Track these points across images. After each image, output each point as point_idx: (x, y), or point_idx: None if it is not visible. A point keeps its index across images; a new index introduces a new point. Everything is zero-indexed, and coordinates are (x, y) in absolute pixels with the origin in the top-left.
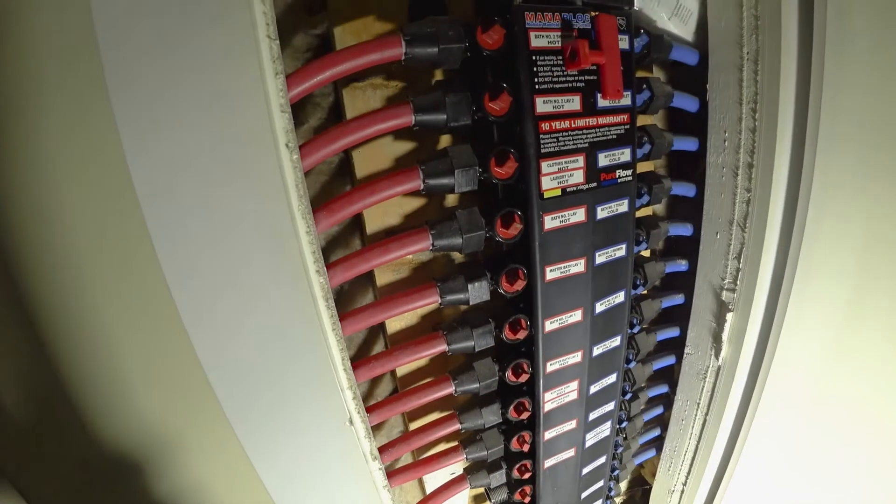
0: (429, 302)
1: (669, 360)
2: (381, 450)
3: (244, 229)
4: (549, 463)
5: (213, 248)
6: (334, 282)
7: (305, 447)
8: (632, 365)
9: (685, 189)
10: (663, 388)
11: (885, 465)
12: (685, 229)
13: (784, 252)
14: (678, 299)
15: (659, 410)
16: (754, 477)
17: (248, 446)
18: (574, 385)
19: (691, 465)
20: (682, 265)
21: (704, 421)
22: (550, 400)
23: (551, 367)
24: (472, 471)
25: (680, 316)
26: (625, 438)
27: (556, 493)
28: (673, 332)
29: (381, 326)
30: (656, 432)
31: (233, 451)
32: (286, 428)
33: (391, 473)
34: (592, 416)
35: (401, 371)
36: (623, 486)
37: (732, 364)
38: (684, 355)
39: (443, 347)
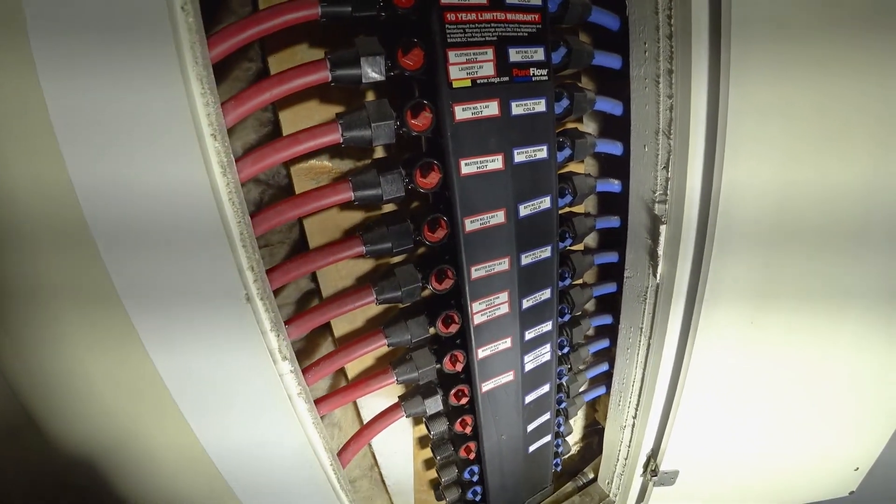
0: (343, 198)
1: (610, 287)
2: (306, 371)
3: None
4: (486, 386)
5: None
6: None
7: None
8: (566, 282)
9: (611, 105)
10: (607, 319)
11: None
12: (614, 147)
13: (710, 156)
14: (613, 221)
15: (605, 343)
16: (700, 402)
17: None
18: (504, 296)
19: (640, 396)
20: (614, 185)
21: (648, 346)
22: (480, 312)
23: (476, 272)
24: (406, 398)
25: (619, 242)
26: (570, 369)
27: (498, 424)
28: (611, 257)
29: (301, 229)
30: (604, 367)
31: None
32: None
33: (319, 400)
34: (528, 334)
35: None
36: (576, 426)
37: (670, 280)
38: (624, 280)
39: (360, 249)
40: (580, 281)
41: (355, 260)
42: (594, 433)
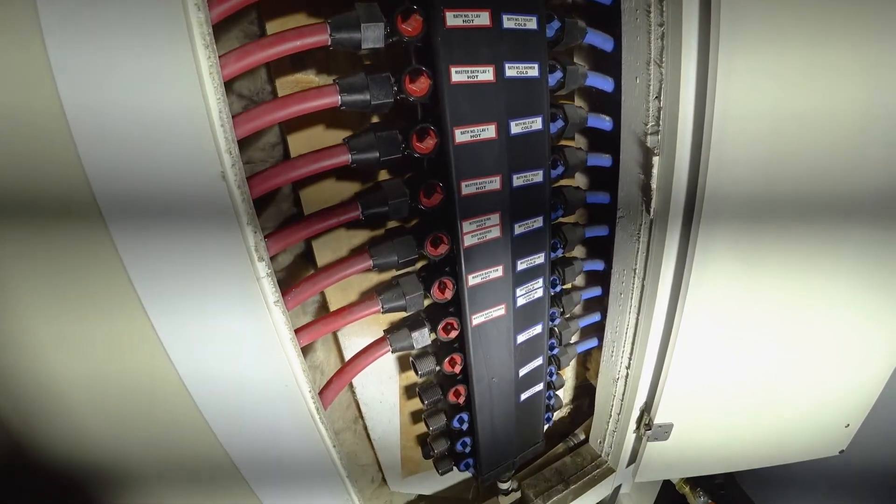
0: (330, 102)
1: (602, 230)
2: (286, 293)
3: None
4: (477, 319)
5: None
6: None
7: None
8: (559, 213)
9: (602, 39)
10: (599, 265)
11: (813, 326)
12: (605, 82)
13: (702, 84)
14: (605, 160)
15: (597, 291)
16: (695, 350)
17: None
18: (495, 218)
19: (633, 345)
20: (605, 121)
21: (642, 289)
22: (471, 233)
23: (467, 189)
24: (392, 331)
25: (610, 184)
26: (562, 313)
27: (489, 364)
28: (603, 197)
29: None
30: (596, 317)
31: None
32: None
33: (300, 329)
34: (521, 264)
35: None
36: (566, 386)
37: (664, 214)
38: (617, 220)
39: (346, 157)
40: (573, 219)
41: (342, 182)
42: (585, 394)
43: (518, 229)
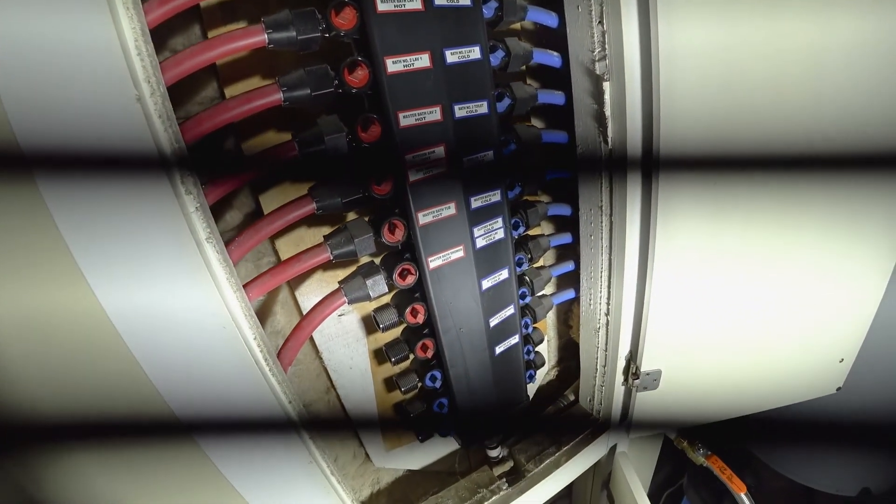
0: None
1: (565, 174)
2: (228, 245)
3: None
4: (434, 262)
5: None
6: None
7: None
8: (511, 148)
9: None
10: (566, 209)
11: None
12: (549, 17)
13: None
14: (557, 97)
15: (567, 238)
16: (673, 288)
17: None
18: (440, 151)
19: (609, 289)
20: (553, 56)
21: (611, 225)
22: (415, 167)
23: (405, 120)
24: (346, 281)
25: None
26: (530, 259)
27: (454, 313)
28: (560, 136)
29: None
30: (570, 266)
31: None
32: None
33: (248, 284)
34: (475, 202)
35: None
36: (551, 347)
37: (622, 142)
38: (577, 154)
39: (278, 97)
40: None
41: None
42: (571, 355)
43: (467, 164)
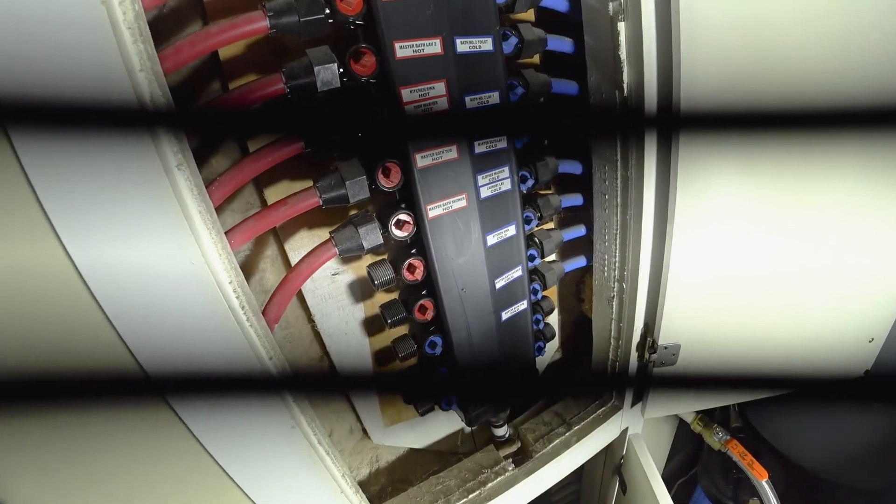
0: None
1: (569, 86)
2: (210, 185)
3: None
4: (433, 210)
5: None
6: None
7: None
8: (519, 92)
9: None
10: (576, 167)
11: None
12: None
13: None
14: (566, 44)
15: (578, 199)
16: (694, 253)
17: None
18: (440, 87)
19: (624, 250)
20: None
21: (626, 180)
22: (413, 102)
23: (402, 51)
24: (338, 230)
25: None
26: (540, 217)
27: (456, 270)
28: (570, 86)
29: None
30: (581, 230)
31: None
32: None
33: (230, 231)
34: (479, 147)
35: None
36: (563, 320)
37: (639, 90)
38: (589, 105)
39: (264, 24)
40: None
41: None
42: (583, 331)
43: (470, 103)
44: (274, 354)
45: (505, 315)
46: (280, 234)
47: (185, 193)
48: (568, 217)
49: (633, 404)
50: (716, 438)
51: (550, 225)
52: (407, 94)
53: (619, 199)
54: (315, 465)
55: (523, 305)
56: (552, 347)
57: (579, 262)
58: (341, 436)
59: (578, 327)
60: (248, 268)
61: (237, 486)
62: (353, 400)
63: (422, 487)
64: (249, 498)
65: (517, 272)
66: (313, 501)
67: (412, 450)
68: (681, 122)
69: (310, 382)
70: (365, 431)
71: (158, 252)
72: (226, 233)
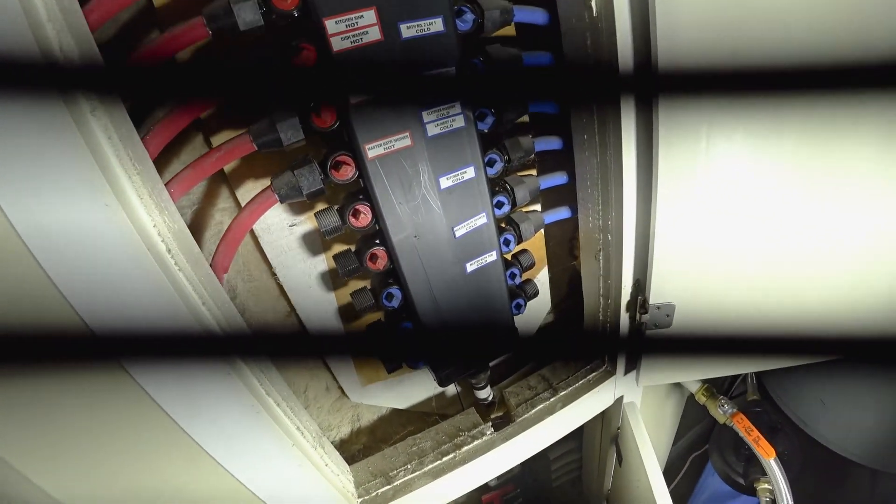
0: None
1: (542, 57)
2: (146, 137)
3: None
4: (372, 150)
5: None
6: None
7: None
8: (470, 21)
9: None
10: (548, 107)
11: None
12: None
13: None
14: (540, 15)
15: (556, 143)
16: (686, 198)
17: None
18: (369, 15)
19: (607, 199)
20: None
21: (604, 121)
22: (339, 34)
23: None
24: (277, 174)
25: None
26: (507, 160)
27: (408, 218)
28: (539, 15)
29: None
30: (562, 178)
31: None
32: None
33: (170, 181)
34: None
35: None
36: (550, 277)
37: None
38: (562, 35)
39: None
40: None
41: None
42: (579, 292)
43: (407, 31)
44: (209, 300)
45: (470, 266)
46: (235, 189)
47: (100, 139)
48: (549, 163)
49: (626, 371)
50: (721, 411)
51: (532, 172)
52: (332, 25)
53: (597, 139)
54: (258, 415)
55: (492, 257)
56: (541, 309)
57: (562, 213)
58: (317, 392)
59: (574, 288)
60: (203, 222)
61: (188, 435)
62: (324, 357)
63: (398, 448)
64: (199, 444)
65: (480, 218)
66: (261, 452)
67: (395, 410)
68: (658, 45)
69: (270, 337)
70: (342, 390)
71: (78, 200)
72: (166, 184)
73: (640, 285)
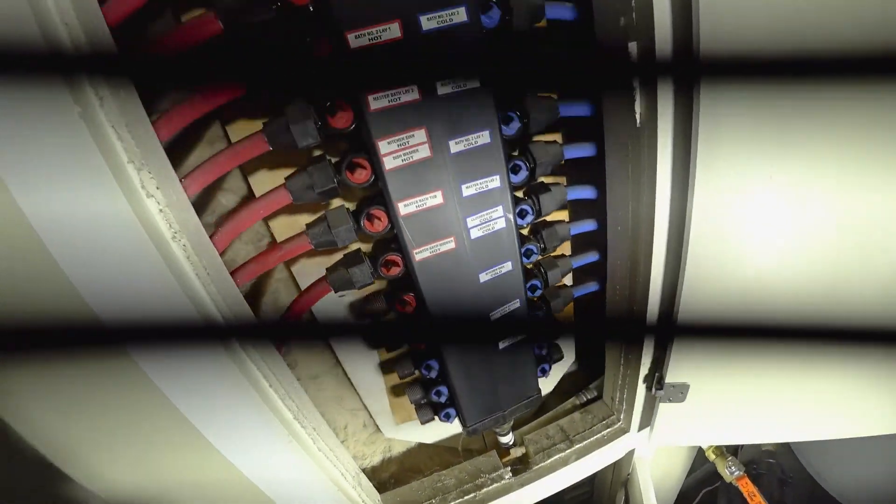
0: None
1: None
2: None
3: None
4: (420, 254)
5: None
6: None
7: None
8: (513, 128)
9: None
10: (589, 192)
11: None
12: None
13: None
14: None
15: (591, 225)
16: (714, 280)
17: None
18: (421, 134)
19: (637, 263)
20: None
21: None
22: (391, 153)
23: (377, 102)
24: (332, 270)
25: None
26: (543, 249)
27: (447, 306)
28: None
29: None
30: (593, 256)
31: None
32: None
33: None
34: (466, 189)
35: None
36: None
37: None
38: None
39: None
40: (549, 138)
41: None
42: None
43: (454, 146)
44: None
45: (502, 343)
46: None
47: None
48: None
49: (640, 428)
50: (728, 472)
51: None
52: (385, 146)
53: (631, 206)
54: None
55: (522, 335)
56: (566, 363)
57: (591, 286)
58: (356, 428)
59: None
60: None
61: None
62: (363, 398)
63: (424, 482)
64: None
65: (515, 303)
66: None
67: (423, 444)
68: (698, 149)
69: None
70: (378, 427)
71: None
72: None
73: (658, 362)
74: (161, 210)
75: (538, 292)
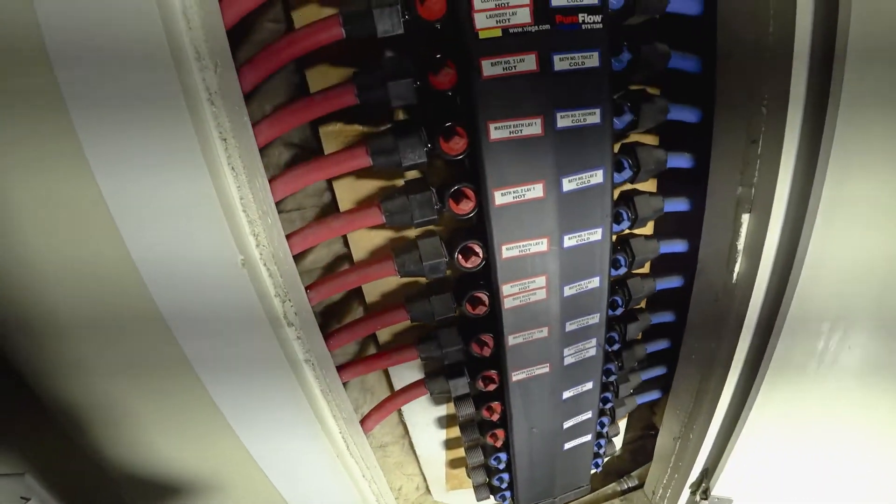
0: (361, 164)
1: (675, 282)
2: (329, 337)
3: None
4: (517, 376)
5: None
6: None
7: None
8: (621, 271)
9: (686, 62)
10: (668, 317)
11: None
12: (690, 113)
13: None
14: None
15: (664, 344)
16: (770, 428)
17: None
18: (541, 281)
19: (699, 407)
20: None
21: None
22: (512, 295)
23: (508, 251)
24: (430, 377)
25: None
26: (621, 367)
27: (530, 416)
28: (679, 246)
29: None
30: (661, 370)
31: None
32: None
33: (342, 367)
34: (570, 325)
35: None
36: (629, 425)
37: (748, 280)
38: (696, 274)
39: (379, 219)
40: (641, 270)
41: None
42: (649, 436)
43: (568, 291)
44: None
45: (567, 445)
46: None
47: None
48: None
49: None
50: None
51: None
52: (508, 289)
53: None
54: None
55: (587, 438)
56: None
57: (653, 395)
58: (408, 490)
59: (645, 431)
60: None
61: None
62: (422, 467)
63: None
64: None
65: (587, 415)
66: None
67: None
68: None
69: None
70: (428, 489)
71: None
72: (338, 368)
73: (707, 473)
74: (250, 221)
75: (609, 404)
